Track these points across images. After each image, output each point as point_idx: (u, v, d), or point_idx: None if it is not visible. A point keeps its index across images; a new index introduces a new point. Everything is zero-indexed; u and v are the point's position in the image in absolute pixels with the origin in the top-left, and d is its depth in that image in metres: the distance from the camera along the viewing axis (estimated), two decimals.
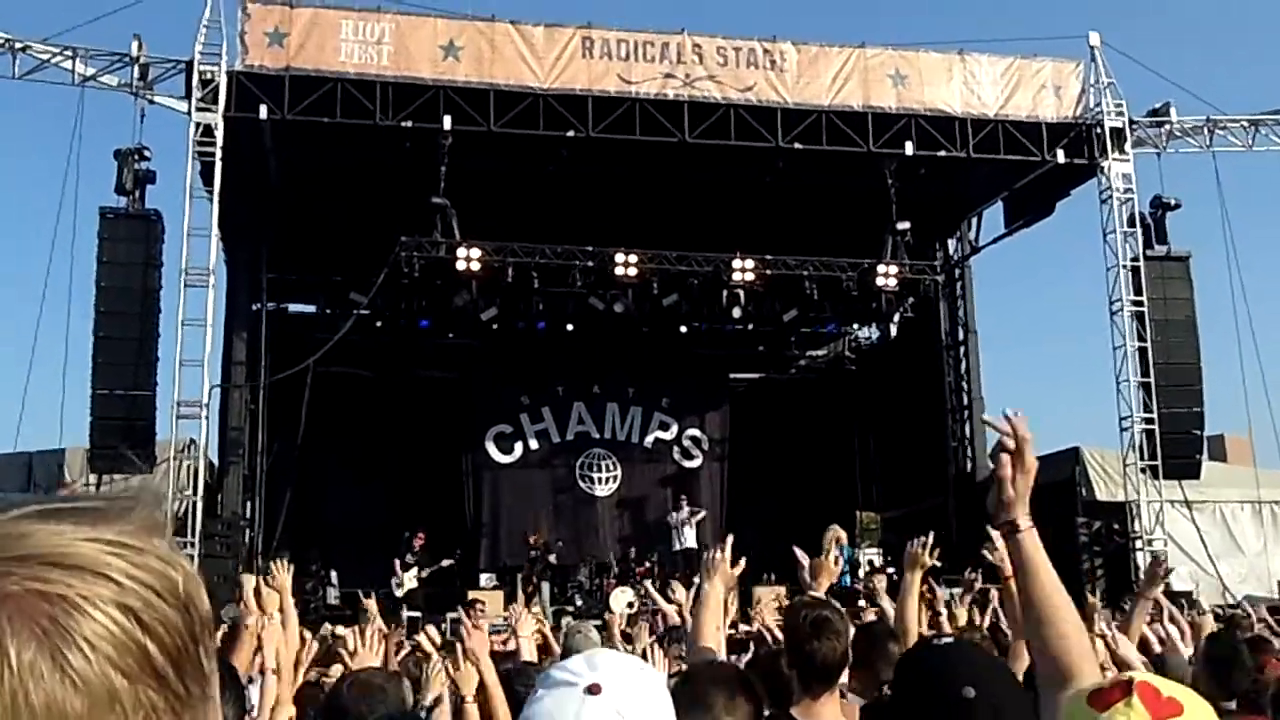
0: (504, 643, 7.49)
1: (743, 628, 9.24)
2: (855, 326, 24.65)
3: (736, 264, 18.13)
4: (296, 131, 16.52)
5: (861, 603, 10.90)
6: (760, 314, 20.25)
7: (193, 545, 15.35)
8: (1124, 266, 18.29)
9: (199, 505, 15.82)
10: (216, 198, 15.99)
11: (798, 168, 17.89)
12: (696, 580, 4.32)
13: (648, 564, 18.60)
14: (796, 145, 17.38)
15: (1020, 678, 2.67)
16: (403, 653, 7.36)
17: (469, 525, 21.00)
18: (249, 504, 18.40)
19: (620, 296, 18.91)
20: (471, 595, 15.80)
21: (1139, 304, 18.17)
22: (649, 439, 22.23)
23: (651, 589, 12.14)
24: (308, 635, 6.58)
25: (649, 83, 17.04)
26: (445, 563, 17.90)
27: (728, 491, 22.30)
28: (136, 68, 16.22)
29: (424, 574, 17.61)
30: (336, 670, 6.09)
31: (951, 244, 22.24)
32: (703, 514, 19.70)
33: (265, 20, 16.28)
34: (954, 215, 21.53)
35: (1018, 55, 18.69)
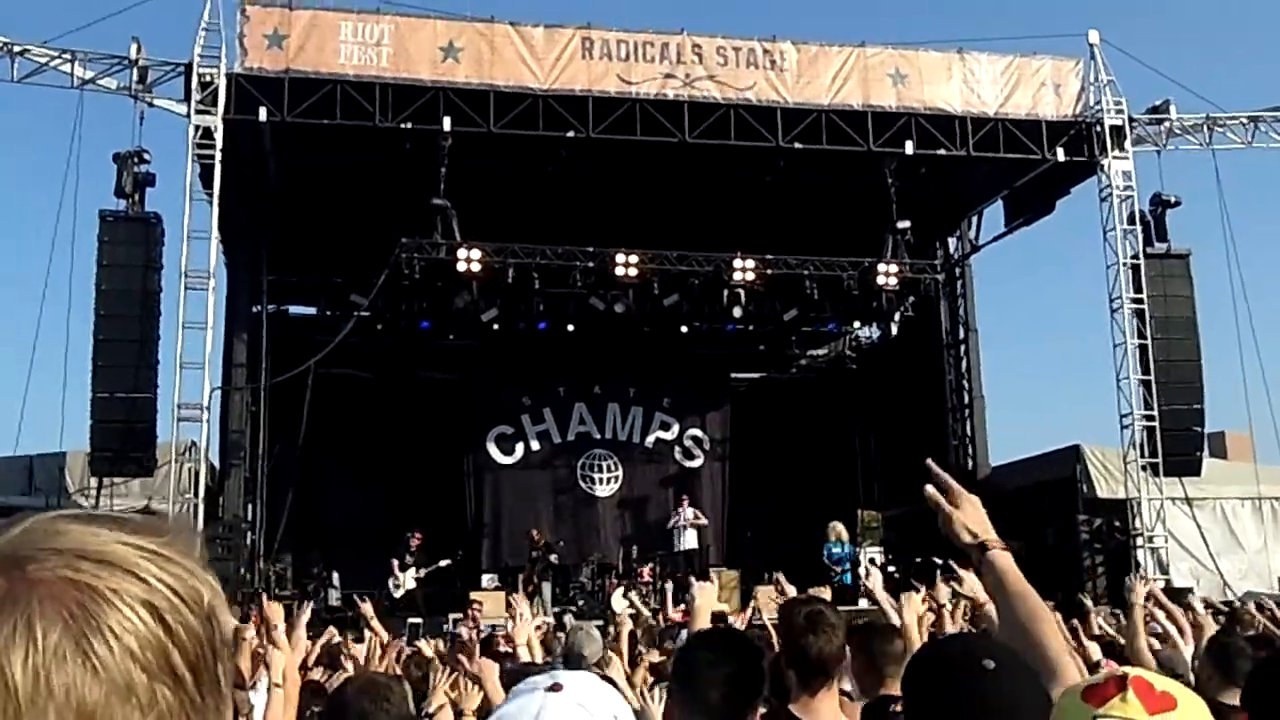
0: (504, 639, 7.51)
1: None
2: (856, 326, 24.65)
3: (737, 264, 18.14)
4: (296, 133, 16.53)
5: (863, 602, 10.92)
6: (761, 314, 20.26)
7: (197, 533, 15.36)
8: (1124, 264, 18.30)
9: (200, 508, 15.85)
10: (216, 200, 16.00)
11: (798, 167, 17.90)
12: (688, 591, 4.37)
13: (650, 565, 18.61)
14: (796, 145, 17.38)
15: None
16: (403, 656, 7.36)
17: (470, 526, 21.02)
18: (250, 506, 18.41)
19: (621, 297, 18.92)
20: (473, 596, 15.83)
21: (1139, 301, 18.18)
22: (650, 439, 22.25)
23: (638, 600, 12.11)
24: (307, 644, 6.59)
25: (649, 83, 17.05)
26: (443, 563, 17.92)
27: (729, 491, 22.32)
28: (135, 70, 16.24)
29: (421, 574, 17.64)
30: (341, 677, 6.11)
31: (952, 243, 22.26)
32: (704, 522, 19.72)
33: (264, 22, 16.29)
34: (954, 214, 21.54)
35: (1017, 54, 18.69)
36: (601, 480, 21.84)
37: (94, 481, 16.47)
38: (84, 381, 15.61)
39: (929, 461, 2.38)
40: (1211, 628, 6.62)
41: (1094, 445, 19.95)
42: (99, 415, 15.53)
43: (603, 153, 17.25)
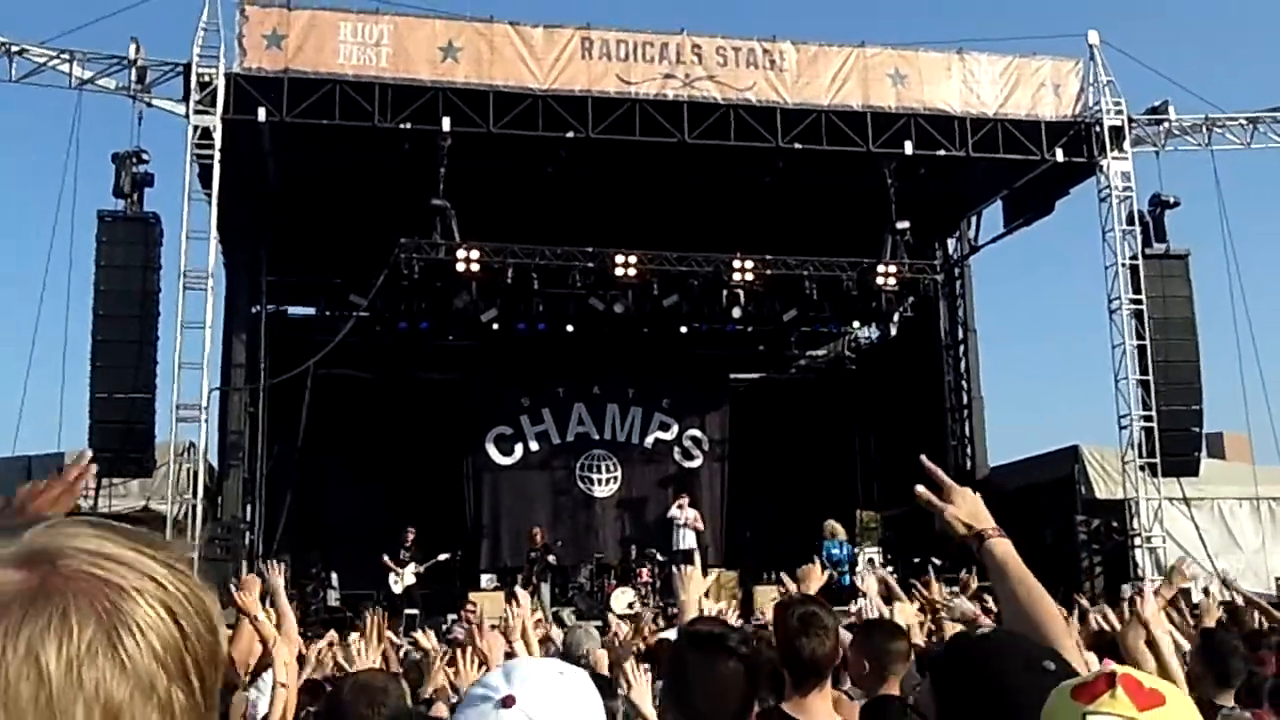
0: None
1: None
2: (855, 326, 24.65)
3: (736, 264, 18.14)
4: (295, 134, 16.52)
5: (861, 601, 10.91)
6: (760, 314, 20.25)
7: (193, 549, 15.35)
8: (1123, 265, 18.30)
9: (199, 509, 15.84)
10: (215, 200, 15.99)
11: (797, 168, 17.90)
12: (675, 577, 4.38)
13: (648, 565, 18.59)
14: (796, 145, 17.38)
15: None
16: (403, 650, 7.38)
17: (469, 527, 21.02)
18: (249, 507, 18.41)
19: (620, 297, 18.92)
20: (472, 595, 15.84)
21: (1138, 302, 18.18)
22: (649, 439, 22.25)
23: (621, 624, 12.07)
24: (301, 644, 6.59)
25: (648, 83, 17.05)
26: (442, 556, 17.90)
27: (728, 492, 22.32)
28: (134, 70, 16.22)
29: (422, 570, 17.65)
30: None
31: (951, 243, 22.27)
32: (701, 528, 19.71)
33: (263, 22, 16.29)
34: (953, 214, 21.55)
35: (1017, 54, 18.70)
36: (600, 481, 21.84)
37: (92, 482, 16.46)
38: (82, 382, 15.62)
39: (923, 458, 2.38)
40: (1215, 615, 6.64)
41: (1092, 446, 19.96)
42: (97, 415, 15.52)
43: (602, 153, 17.25)
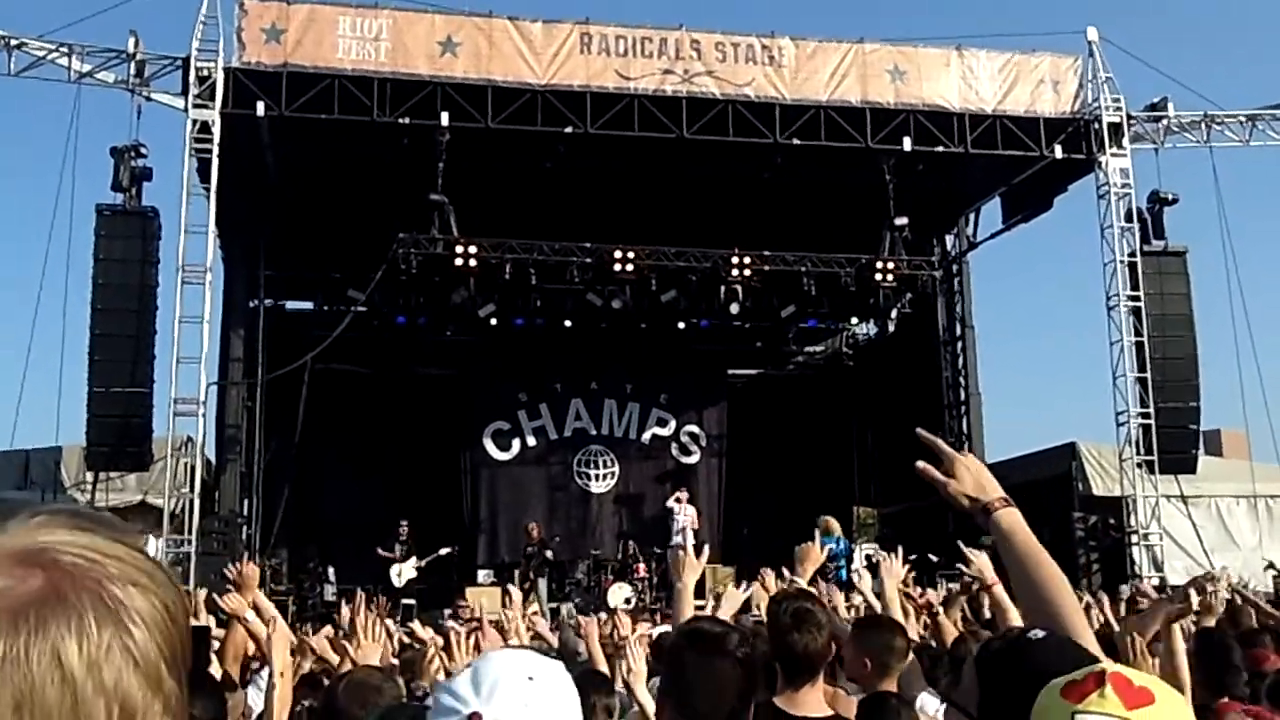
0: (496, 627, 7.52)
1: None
2: (853, 322, 24.66)
3: (734, 260, 18.14)
4: (294, 128, 16.51)
5: (856, 598, 10.91)
6: (758, 310, 20.24)
7: (190, 543, 15.37)
8: (1121, 261, 18.31)
9: (196, 503, 15.83)
10: (214, 194, 15.99)
11: (796, 163, 17.90)
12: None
13: (645, 561, 18.60)
14: (795, 141, 17.39)
15: None
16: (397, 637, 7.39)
17: (466, 522, 21.02)
18: (246, 501, 18.41)
19: (618, 293, 18.90)
20: (468, 591, 15.85)
21: (1136, 299, 18.19)
22: (647, 435, 22.25)
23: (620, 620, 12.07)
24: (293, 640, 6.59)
25: (647, 79, 17.04)
26: (443, 551, 17.93)
27: (725, 487, 22.32)
28: (133, 64, 16.21)
29: (423, 563, 17.67)
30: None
31: (949, 239, 22.27)
32: (698, 528, 19.71)
33: (262, 16, 16.27)
34: (952, 211, 21.53)
35: (1016, 51, 18.69)
36: (598, 476, 21.84)
37: (90, 476, 16.47)
38: (80, 376, 15.64)
39: (920, 430, 2.30)
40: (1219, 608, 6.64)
41: (1090, 442, 19.98)
42: (95, 410, 15.53)
43: (601, 148, 17.24)
